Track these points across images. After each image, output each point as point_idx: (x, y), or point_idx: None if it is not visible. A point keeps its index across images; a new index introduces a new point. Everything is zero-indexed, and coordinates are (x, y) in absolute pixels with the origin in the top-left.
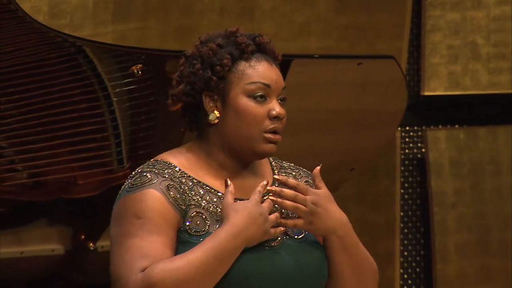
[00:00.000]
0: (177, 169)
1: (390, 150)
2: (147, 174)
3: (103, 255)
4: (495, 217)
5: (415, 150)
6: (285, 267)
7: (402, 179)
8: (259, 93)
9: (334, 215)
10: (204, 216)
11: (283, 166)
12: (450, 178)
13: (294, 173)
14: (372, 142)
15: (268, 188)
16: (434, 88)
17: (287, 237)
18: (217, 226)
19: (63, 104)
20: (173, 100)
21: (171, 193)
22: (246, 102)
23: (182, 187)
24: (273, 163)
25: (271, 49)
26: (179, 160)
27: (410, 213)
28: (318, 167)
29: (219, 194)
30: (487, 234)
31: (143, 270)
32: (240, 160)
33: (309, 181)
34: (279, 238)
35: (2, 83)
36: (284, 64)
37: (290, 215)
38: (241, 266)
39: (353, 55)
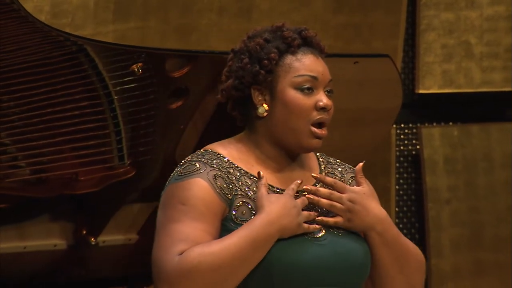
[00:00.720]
0: (225, 159)
1: (385, 147)
2: (196, 164)
3: (104, 250)
4: (488, 212)
5: (410, 147)
6: (329, 258)
7: (397, 176)
8: (306, 85)
9: (373, 212)
10: (250, 206)
11: (330, 162)
12: (444, 175)
13: (340, 169)
14: (368, 139)
15: (304, 187)
16: (428, 86)
17: (331, 229)
18: None
19: (65, 102)
20: (222, 94)
21: (218, 182)
22: (294, 94)
23: (230, 177)
24: (320, 158)
25: (317, 43)
26: (228, 150)
27: (405, 208)
28: (361, 164)
29: (268, 185)
30: (480, 229)
31: (181, 254)
32: (287, 153)
33: (354, 176)
34: (323, 231)
35: (5, 82)
36: None
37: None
38: (285, 256)
39: (349, 53)
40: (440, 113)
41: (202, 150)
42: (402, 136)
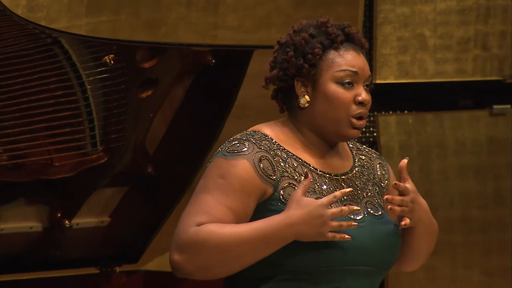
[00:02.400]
0: (273, 141)
1: None
2: (245, 143)
3: (78, 232)
4: (441, 196)
5: (367, 134)
6: (366, 240)
7: None
8: (347, 80)
9: (422, 206)
10: (296, 187)
11: (359, 148)
12: (400, 160)
13: (368, 155)
14: None
15: (385, 197)
16: (385, 77)
17: (368, 214)
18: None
19: (41, 92)
20: (266, 83)
21: (262, 165)
22: (335, 88)
23: (276, 158)
24: (350, 144)
25: (358, 39)
26: (275, 133)
27: None
28: (405, 160)
29: (311, 167)
30: (434, 212)
31: (199, 225)
32: (326, 141)
33: (381, 163)
34: (362, 215)
35: None
36: (246, 55)
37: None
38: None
39: None
40: (396, 102)
41: (249, 130)
42: None
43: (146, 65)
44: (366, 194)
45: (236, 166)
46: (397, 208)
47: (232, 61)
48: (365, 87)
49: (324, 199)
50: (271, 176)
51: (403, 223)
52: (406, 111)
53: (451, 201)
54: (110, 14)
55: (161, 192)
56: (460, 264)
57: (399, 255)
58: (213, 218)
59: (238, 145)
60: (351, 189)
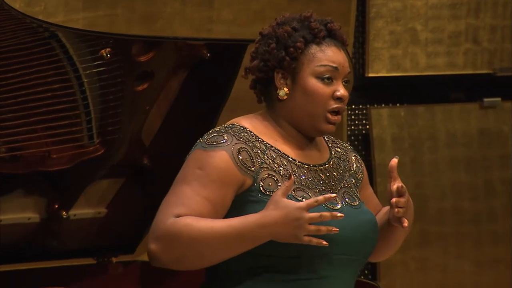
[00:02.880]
0: (252, 133)
1: (337, 126)
2: (224, 135)
3: (75, 223)
4: (432, 187)
5: (360, 127)
6: (347, 229)
7: None
8: (327, 75)
9: (411, 205)
10: (275, 178)
11: (334, 141)
12: (392, 152)
13: (344, 148)
14: None
15: (395, 200)
16: (377, 70)
17: (346, 204)
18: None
19: (38, 85)
20: (246, 72)
21: (240, 156)
22: (315, 83)
23: (255, 150)
24: (325, 137)
25: (340, 35)
26: (253, 125)
27: None
28: (396, 160)
29: (289, 158)
30: (425, 203)
31: (177, 216)
32: (302, 134)
33: (356, 156)
34: (339, 205)
35: None
36: (241, 48)
37: (340, 189)
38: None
39: None
40: (388, 95)
41: (228, 123)
42: (353, 117)
43: (142, 58)
44: (344, 185)
45: (214, 158)
46: (400, 211)
47: (227, 54)
48: (343, 83)
49: (303, 203)
50: (250, 167)
51: (405, 224)
52: (398, 104)
53: (443, 192)
54: (106, 9)
55: (157, 184)
56: (452, 255)
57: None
58: (191, 210)
59: (217, 137)
60: (335, 194)
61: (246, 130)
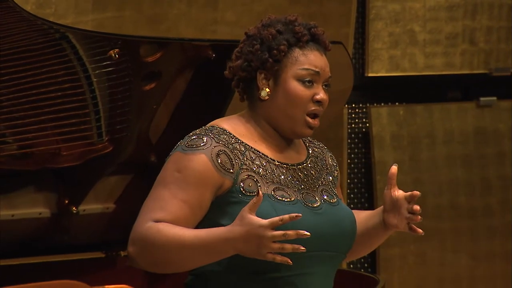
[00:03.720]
0: (232, 135)
1: (338, 124)
2: (204, 138)
3: (85, 218)
4: (430, 184)
5: (360, 125)
6: (324, 226)
7: (348, 151)
8: (308, 79)
9: None
10: (255, 179)
11: (311, 141)
12: (391, 150)
13: (320, 148)
14: (322, 118)
15: (415, 207)
16: (377, 70)
17: (324, 202)
18: (268, 187)
19: (49, 84)
20: (229, 71)
21: (219, 159)
22: (296, 85)
23: (235, 152)
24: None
25: (323, 40)
26: (233, 127)
27: (356, 180)
28: (395, 167)
29: (269, 158)
30: (423, 199)
31: (155, 220)
32: (281, 135)
33: (331, 155)
34: (319, 203)
35: None
36: None
37: (319, 186)
38: (291, 224)
39: None
40: (387, 95)
41: (208, 125)
42: (353, 115)
43: (149, 59)
44: (322, 183)
45: (192, 161)
46: (418, 217)
47: (231, 54)
48: (324, 87)
49: (266, 221)
50: (229, 169)
51: (421, 230)
52: (397, 103)
53: (440, 188)
54: (114, 11)
55: None
56: (449, 249)
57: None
58: (168, 213)
59: (196, 140)
60: (301, 214)
61: (226, 132)
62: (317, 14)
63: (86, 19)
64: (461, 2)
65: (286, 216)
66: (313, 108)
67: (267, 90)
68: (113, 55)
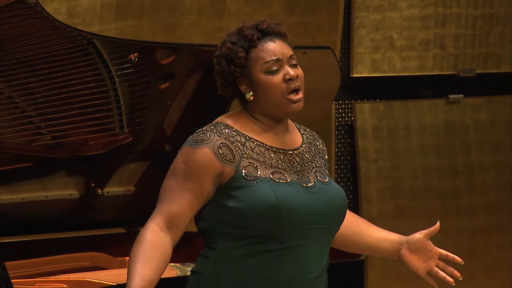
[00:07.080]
0: (234, 128)
1: (327, 118)
2: (208, 133)
3: (109, 199)
4: (406, 169)
5: (346, 119)
6: (318, 203)
7: (336, 141)
8: (273, 68)
9: None
10: (255, 165)
11: (305, 129)
12: (373, 140)
13: (312, 135)
14: (314, 113)
15: (455, 273)
16: (360, 71)
17: (317, 181)
18: (266, 171)
19: (78, 84)
20: (220, 90)
21: (221, 150)
22: (266, 78)
23: (235, 143)
24: (297, 126)
25: (272, 29)
26: (234, 122)
27: (342, 166)
28: (438, 224)
29: (267, 146)
30: (400, 183)
31: (163, 214)
32: (277, 121)
33: (322, 141)
34: (313, 182)
35: (31, 68)
36: None
37: (312, 168)
38: (287, 201)
39: (299, 46)
40: (369, 92)
41: (214, 122)
42: (340, 110)
43: (164, 62)
44: (315, 165)
45: (197, 154)
46: (452, 280)
47: None
48: (290, 66)
49: None
50: (231, 159)
51: (459, 274)
52: (377, 100)
53: (415, 173)
54: (134, 20)
55: None
56: (422, 226)
57: (338, 239)
58: (175, 204)
59: (202, 135)
60: None
61: (229, 127)
62: (310, 23)
63: (109, 27)
64: (433, 13)
65: None
66: (290, 87)
67: (250, 92)
68: (133, 58)
